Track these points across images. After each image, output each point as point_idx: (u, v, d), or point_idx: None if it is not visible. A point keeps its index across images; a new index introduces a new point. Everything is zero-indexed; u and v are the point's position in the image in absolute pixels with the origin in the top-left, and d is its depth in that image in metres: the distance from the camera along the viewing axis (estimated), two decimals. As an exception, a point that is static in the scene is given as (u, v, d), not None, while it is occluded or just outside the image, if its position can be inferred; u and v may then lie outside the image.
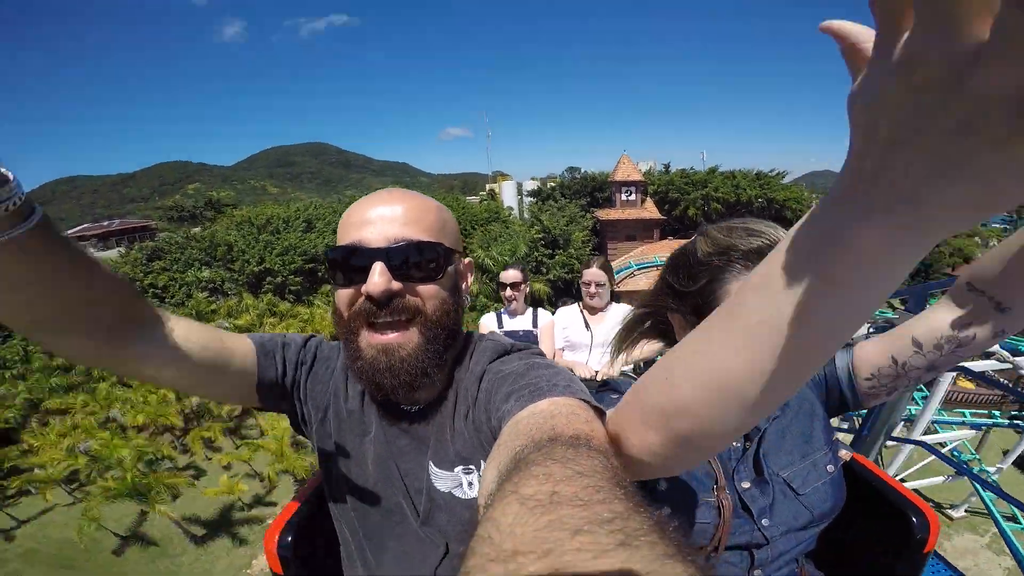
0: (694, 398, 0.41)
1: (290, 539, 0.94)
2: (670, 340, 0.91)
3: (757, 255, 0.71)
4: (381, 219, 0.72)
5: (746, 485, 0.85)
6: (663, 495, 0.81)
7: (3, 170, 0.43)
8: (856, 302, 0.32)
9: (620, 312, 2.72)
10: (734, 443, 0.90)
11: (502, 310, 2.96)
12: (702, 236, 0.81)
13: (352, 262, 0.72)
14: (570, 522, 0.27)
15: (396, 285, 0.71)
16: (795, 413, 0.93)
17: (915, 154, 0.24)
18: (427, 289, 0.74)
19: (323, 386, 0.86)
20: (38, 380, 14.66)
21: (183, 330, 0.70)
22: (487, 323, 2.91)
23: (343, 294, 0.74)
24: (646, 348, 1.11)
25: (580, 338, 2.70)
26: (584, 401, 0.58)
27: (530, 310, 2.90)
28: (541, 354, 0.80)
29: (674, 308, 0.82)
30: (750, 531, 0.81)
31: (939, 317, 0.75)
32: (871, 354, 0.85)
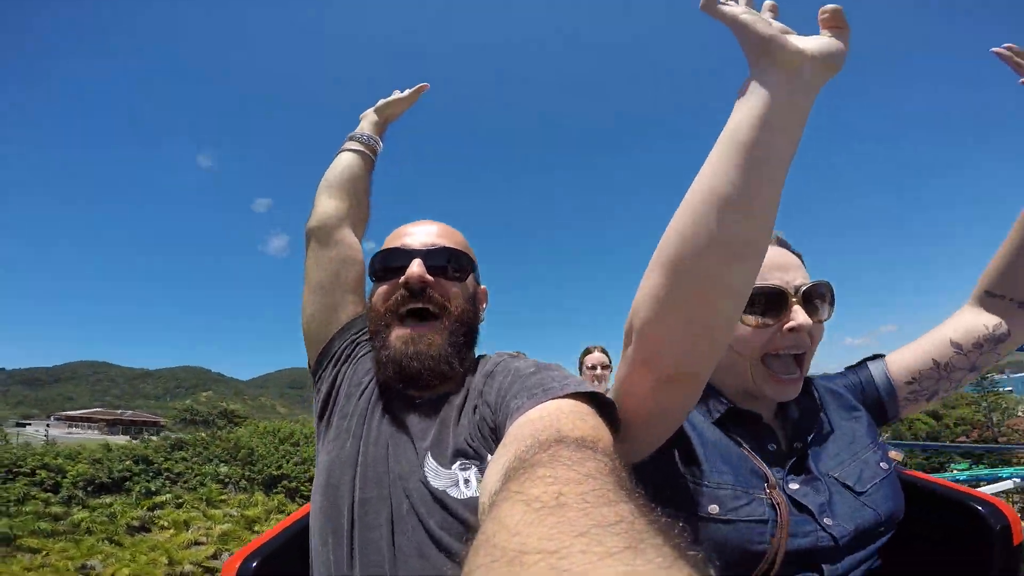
0: (685, 212, 0.58)
1: (254, 565, 0.86)
2: None
3: None
4: (420, 231, 0.95)
5: (795, 486, 0.81)
6: (709, 492, 0.77)
7: (376, 139, 1.25)
8: (773, 118, 0.54)
9: None
10: (775, 446, 0.85)
11: None
12: None
13: (394, 261, 0.90)
14: (575, 524, 0.27)
15: (429, 277, 0.87)
16: (836, 413, 0.92)
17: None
18: (453, 288, 0.91)
19: (364, 372, 0.97)
20: (24, 520, 13.99)
21: (358, 250, 1.11)
22: None
23: (381, 290, 0.92)
24: None
25: None
26: (591, 403, 0.61)
27: None
28: (556, 364, 0.82)
29: None
30: (814, 532, 0.75)
31: (971, 320, 0.88)
32: (908, 360, 0.91)
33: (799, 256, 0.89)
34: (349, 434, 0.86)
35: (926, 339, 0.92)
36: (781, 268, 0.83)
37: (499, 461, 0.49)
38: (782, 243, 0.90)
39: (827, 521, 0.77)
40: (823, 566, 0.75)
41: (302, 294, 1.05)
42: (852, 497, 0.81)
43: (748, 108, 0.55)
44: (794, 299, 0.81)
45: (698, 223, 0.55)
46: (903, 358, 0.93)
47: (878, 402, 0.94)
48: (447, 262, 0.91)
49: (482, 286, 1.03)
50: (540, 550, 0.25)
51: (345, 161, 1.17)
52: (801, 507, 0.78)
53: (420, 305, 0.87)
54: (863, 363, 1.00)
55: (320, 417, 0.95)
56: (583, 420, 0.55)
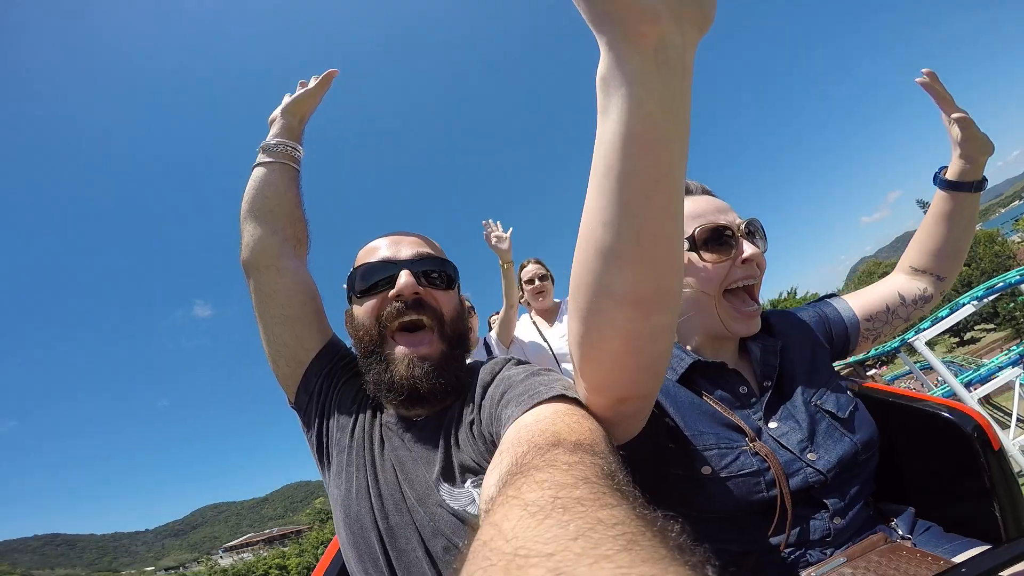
0: (577, 260, 0.50)
1: None
2: None
3: None
4: (404, 241, 0.90)
5: (774, 425, 0.84)
6: (697, 454, 0.79)
7: (292, 145, 1.05)
8: (642, 124, 0.41)
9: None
10: (745, 388, 0.89)
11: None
12: None
13: (379, 274, 0.85)
14: (572, 527, 0.27)
15: (420, 290, 0.84)
16: (797, 346, 0.96)
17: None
18: (444, 296, 0.87)
19: (351, 400, 0.92)
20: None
21: (306, 273, 1.00)
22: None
23: (368, 306, 0.85)
24: None
25: (540, 354, 2.44)
26: (583, 404, 0.60)
27: (480, 340, 2.59)
28: (548, 370, 0.78)
29: None
30: (801, 469, 0.78)
31: (907, 280, 1.05)
32: (866, 302, 1.04)
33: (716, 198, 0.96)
34: (354, 466, 0.83)
35: (878, 288, 1.06)
36: (721, 211, 0.90)
37: (496, 468, 0.48)
38: (708, 192, 0.96)
39: (810, 456, 0.79)
40: (824, 500, 0.78)
41: (260, 332, 0.95)
42: (836, 425, 0.83)
43: (606, 116, 0.42)
44: (740, 234, 0.88)
45: (589, 275, 0.47)
46: (861, 300, 1.04)
47: (843, 335, 1.01)
48: (436, 271, 0.87)
49: (467, 302, 1.05)
50: (537, 553, 0.25)
51: (264, 178, 0.99)
52: (783, 447, 0.81)
53: (415, 317, 0.83)
54: (825, 299, 1.09)
55: (318, 452, 0.92)
56: (578, 422, 0.53)
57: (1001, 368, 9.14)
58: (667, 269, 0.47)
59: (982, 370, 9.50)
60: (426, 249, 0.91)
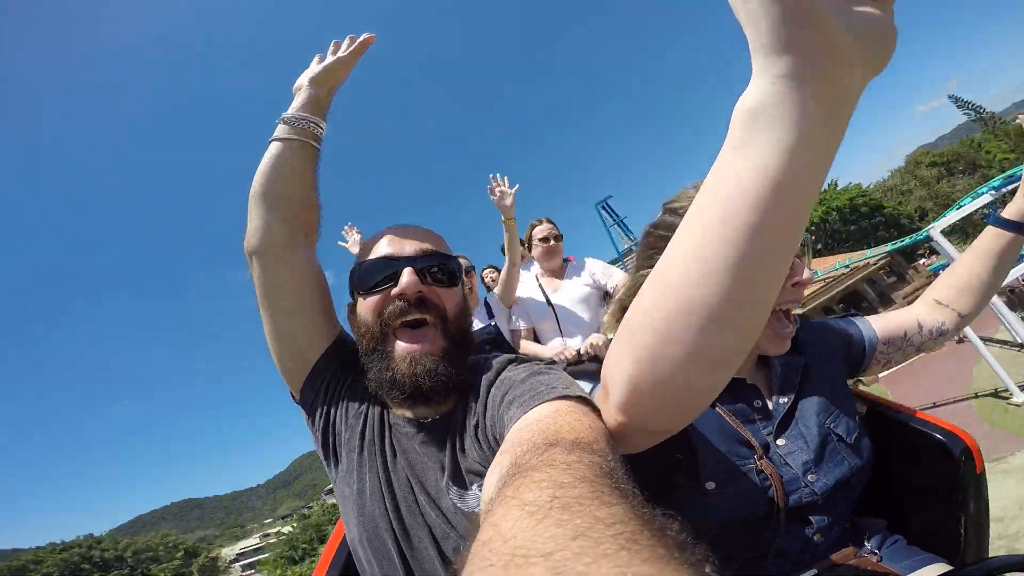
0: (655, 309, 0.42)
1: None
2: None
3: None
4: (407, 237, 0.87)
5: (782, 442, 0.86)
6: (706, 469, 0.81)
7: (316, 121, 0.92)
8: (799, 170, 0.34)
9: (584, 273, 2.45)
10: (760, 402, 0.88)
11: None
12: (670, 200, 0.91)
13: (381, 271, 0.82)
14: (570, 526, 0.27)
15: (423, 288, 0.81)
16: (818, 361, 0.96)
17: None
18: (447, 293, 0.85)
19: (359, 400, 0.89)
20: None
21: (316, 264, 0.92)
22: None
23: (371, 302, 0.83)
24: None
25: (542, 315, 2.41)
26: (586, 403, 0.59)
27: (481, 300, 2.60)
28: (548, 364, 0.81)
29: None
30: (799, 489, 0.81)
31: (927, 312, 1.01)
32: (887, 326, 1.01)
33: None
34: (366, 467, 0.83)
35: (899, 315, 1.03)
36: None
37: (496, 468, 0.48)
38: None
39: (811, 478, 0.81)
40: (811, 518, 0.82)
41: (264, 323, 0.89)
42: (840, 448, 0.85)
43: (744, 154, 0.36)
44: (798, 255, 0.81)
45: (664, 323, 0.42)
46: (883, 323, 1.01)
47: (859, 356, 1.00)
48: (439, 268, 0.85)
49: (462, 255, 0.97)
50: (536, 553, 0.25)
51: (281, 157, 0.90)
52: (787, 465, 0.82)
53: (418, 316, 0.81)
54: (849, 318, 1.07)
55: (324, 449, 0.90)
56: (579, 420, 0.52)
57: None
58: (756, 332, 0.43)
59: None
60: (429, 245, 0.87)
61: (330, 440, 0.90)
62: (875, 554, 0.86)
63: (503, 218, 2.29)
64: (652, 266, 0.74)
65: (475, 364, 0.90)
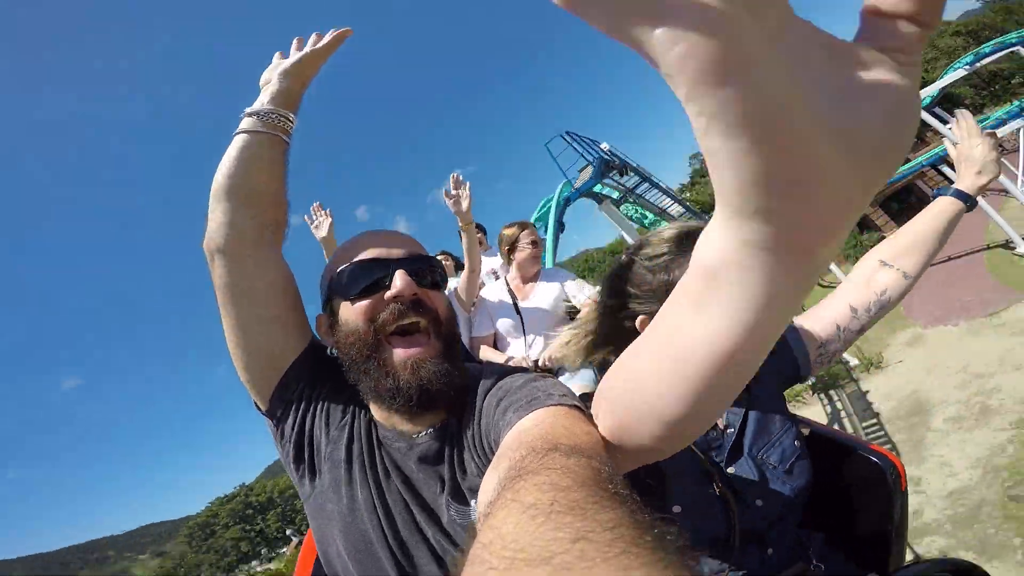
0: (625, 393, 0.47)
1: None
2: (607, 353, 0.95)
3: (695, 231, 0.76)
4: (391, 241, 0.83)
5: (732, 470, 0.90)
6: (673, 494, 0.86)
7: (285, 115, 0.85)
8: (764, 332, 0.33)
9: (550, 289, 2.35)
10: (715, 430, 0.94)
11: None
12: (641, 245, 0.89)
13: (371, 274, 0.77)
14: (570, 530, 0.27)
15: (417, 291, 0.77)
16: (759, 390, 0.97)
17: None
18: (437, 296, 0.82)
19: (340, 411, 0.84)
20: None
21: (285, 263, 0.87)
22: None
23: (361, 307, 0.76)
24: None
25: (511, 322, 2.32)
26: (581, 410, 0.60)
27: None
28: (543, 372, 0.86)
29: (639, 311, 0.86)
30: (750, 513, 0.87)
31: (862, 286, 0.96)
32: (817, 326, 0.98)
33: None
34: (356, 483, 0.79)
35: (828, 306, 1.00)
36: None
37: (494, 472, 0.48)
38: None
39: (758, 503, 0.87)
40: (765, 535, 0.89)
41: (225, 329, 0.83)
42: (777, 475, 0.90)
43: (701, 311, 0.34)
44: None
45: (634, 417, 0.46)
46: (813, 325, 0.99)
47: (794, 368, 0.99)
48: (429, 271, 0.82)
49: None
50: (536, 556, 0.25)
51: (249, 152, 0.82)
52: (737, 492, 0.87)
53: (414, 319, 0.77)
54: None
55: (296, 463, 0.84)
56: (576, 426, 0.53)
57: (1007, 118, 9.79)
58: (722, 410, 0.48)
59: (988, 120, 10.24)
60: (416, 248, 0.84)
61: (305, 453, 0.83)
62: (819, 567, 0.92)
63: (461, 223, 2.19)
64: (612, 306, 0.89)
65: (469, 370, 0.85)
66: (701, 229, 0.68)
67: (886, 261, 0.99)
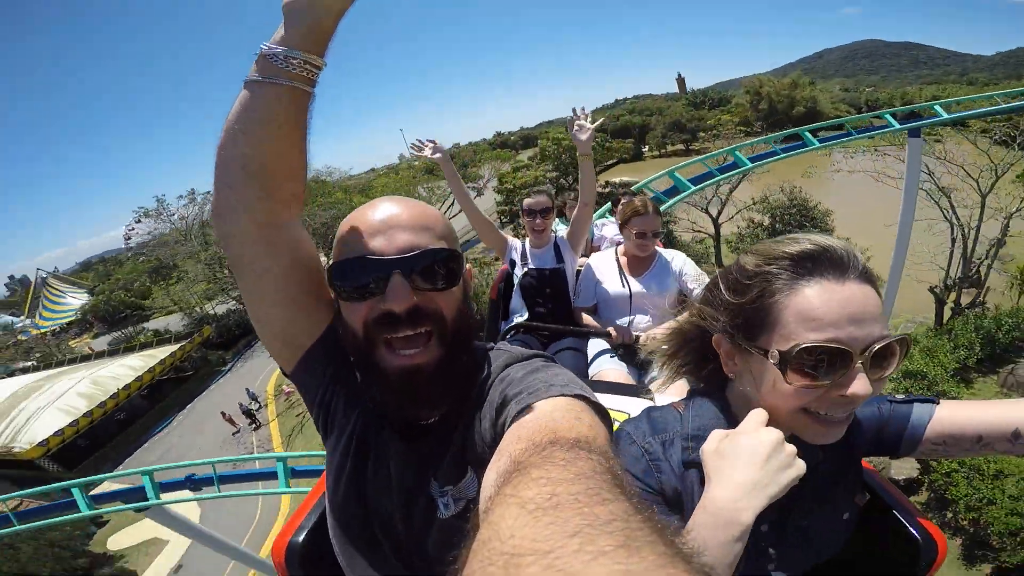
0: None
1: (300, 540, 0.90)
2: (705, 372, 0.85)
3: (808, 259, 0.66)
4: (390, 227, 0.69)
5: (764, 528, 0.78)
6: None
7: (310, 60, 0.64)
8: None
9: (670, 266, 2.18)
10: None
11: (524, 241, 2.49)
12: (748, 252, 0.76)
13: (363, 276, 0.67)
14: (569, 524, 0.27)
15: (415, 299, 0.67)
16: (831, 453, 0.80)
17: None
18: (445, 297, 0.71)
19: (355, 393, 0.82)
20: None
21: (305, 238, 0.77)
22: (515, 245, 2.49)
23: (354, 308, 0.70)
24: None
25: (615, 292, 2.20)
26: (584, 400, 0.59)
27: (551, 240, 2.40)
28: (550, 359, 0.77)
29: (720, 327, 0.76)
30: (758, 564, 0.78)
31: None
32: (956, 421, 0.80)
33: (878, 291, 0.69)
34: (351, 457, 0.78)
35: (989, 410, 0.79)
36: (856, 321, 0.63)
37: (495, 466, 0.48)
38: (867, 277, 0.68)
39: (771, 567, 0.78)
40: None
41: (247, 304, 0.78)
42: (806, 546, 0.80)
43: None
44: (859, 361, 0.64)
45: None
46: (953, 418, 0.80)
47: (893, 443, 0.83)
48: (436, 268, 0.70)
49: (467, 265, 0.78)
50: (534, 551, 0.25)
51: (261, 108, 0.65)
52: (762, 551, 0.78)
53: (410, 332, 0.68)
54: (912, 402, 0.86)
55: (317, 422, 0.84)
56: (577, 419, 0.53)
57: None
58: None
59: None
60: (423, 237, 0.70)
61: (322, 419, 0.83)
62: None
63: (578, 153, 2.18)
64: (713, 324, 0.75)
65: (476, 361, 0.79)
66: (835, 252, 0.66)
67: None
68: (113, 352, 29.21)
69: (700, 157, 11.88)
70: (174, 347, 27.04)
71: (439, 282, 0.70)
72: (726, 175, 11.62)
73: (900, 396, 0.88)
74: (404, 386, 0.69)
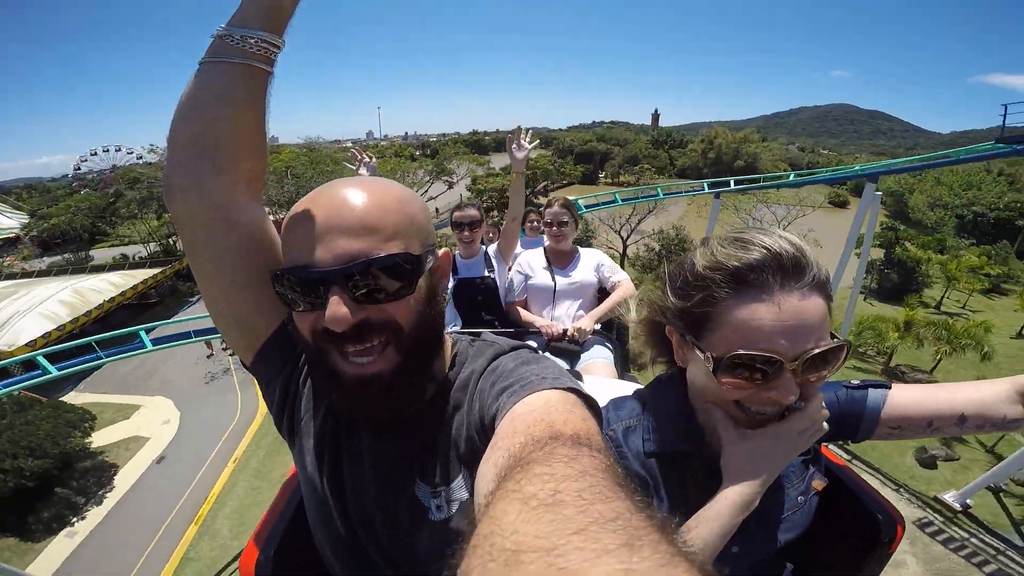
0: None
1: (272, 552, 0.88)
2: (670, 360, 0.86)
3: (752, 270, 0.65)
4: (330, 231, 0.60)
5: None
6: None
7: (270, 39, 0.63)
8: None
9: (590, 260, 2.47)
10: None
11: (455, 253, 2.58)
12: (702, 247, 0.74)
13: (303, 287, 0.60)
14: (572, 521, 0.27)
15: (361, 314, 0.60)
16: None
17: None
18: (399, 307, 0.63)
19: (318, 389, 0.77)
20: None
21: (262, 218, 0.71)
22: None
23: (302, 318, 0.63)
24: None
25: (543, 283, 2.43)
26: (576, 394, 0.58)
27: (481, 252, 2.55)
28: (535, 351, 0.76)
29: (671, 322, 0.77)
30: (720, 562, 0.78)
31: (992, 402, 0.79)
32: (907, 407, 0.83)
33: (828, 294, 0.68)
34: (325, 470, 0.74)
35: (937, 396, 0.82)
36: (791, 332, 0.64)
37: (491, 459, 0.48)
38: (816, 283, 0.66)
39: (735, 549, 0.78)
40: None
41: (200, 288, 0.73)
42: (764, 527, 0.82)
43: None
44: (790, 369, 0.66)
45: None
46: (906, 404, 0.84)
47: (851, 426, 0.86)
48: (381, 279, 0.61)
49: (442, 250, 0.70)
50: (537, 548, 0.25)
51: (217, 86, 0.64)
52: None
53: (358, 347, 0.62)
54: (865, 386, 0.89)
55: (278, 420, 0.81)
56: (572, 413, 0.52)
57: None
58: None
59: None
60: (367, 241, 0.60)
61: (284, 419, 0.79)
62: None
63: (513, 171, 2.26)
64: (666, 318, 0.77)
65: (454, 357, 0.76)
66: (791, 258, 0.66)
67: None
68: (60, 273, 29.66)
69: (617, 190, 19.46)
70: (155, 270, 28.43)
71: (388, 294, 0.61)
72: (604, 205, 18.85)
73: (855, 381, 0.90)
74: (358, 394, 0.64)
